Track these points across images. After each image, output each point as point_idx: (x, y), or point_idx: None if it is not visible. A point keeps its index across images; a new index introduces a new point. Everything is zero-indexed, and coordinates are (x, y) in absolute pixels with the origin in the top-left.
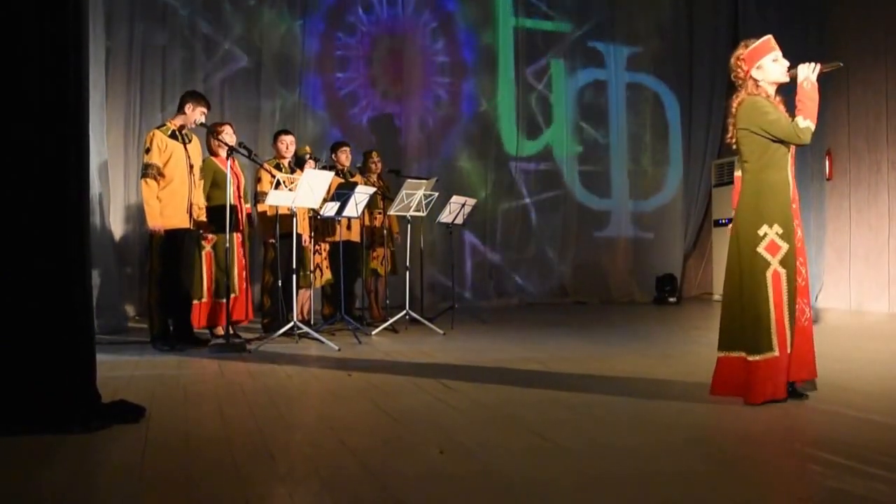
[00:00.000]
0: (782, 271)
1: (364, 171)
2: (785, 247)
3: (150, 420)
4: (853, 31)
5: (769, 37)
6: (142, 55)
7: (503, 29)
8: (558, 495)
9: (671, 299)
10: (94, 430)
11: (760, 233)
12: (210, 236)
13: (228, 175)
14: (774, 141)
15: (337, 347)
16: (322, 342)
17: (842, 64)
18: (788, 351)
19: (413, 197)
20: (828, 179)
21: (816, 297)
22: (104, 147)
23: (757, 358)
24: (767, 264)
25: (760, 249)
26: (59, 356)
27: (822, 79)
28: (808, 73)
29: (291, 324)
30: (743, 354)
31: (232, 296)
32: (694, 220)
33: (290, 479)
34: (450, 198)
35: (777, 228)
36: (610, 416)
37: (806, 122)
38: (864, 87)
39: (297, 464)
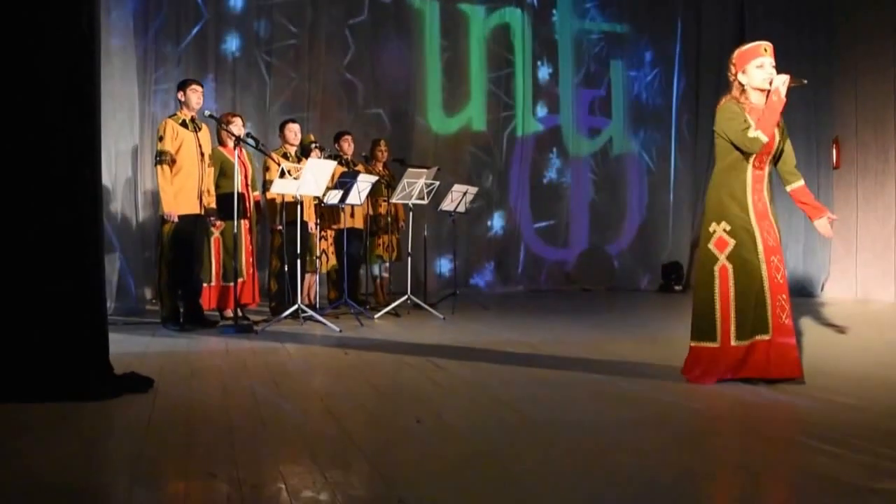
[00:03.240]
0: (729, 266)
1: (370, 159)
2: (732, 242)
3: (158, 391)
4: (862, 18)
5: (761, 42)
6: (156, 46)
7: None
8: (519, 462)
9: (676, 287)
10: (106, 399)
11: (710, 229)
12: (219, 223)
13: (236, 164)
14: (734, 146)
15: (338, 329)
16: (325, 324)
17: (806, 81)
18: (733, 343)
19: (414, 185)
20: (835, 168)
21: (822, 287)
22: (134, 133)
23: (700, 344)
24: (716, 259)
25: (710, 245)
26: (76, 332)
27: (793, 78)
28: (780, 85)
29: (295, 307)
30: (690, 340)
31: (240, 280)
32: (702, 209)
33: (277, 440)
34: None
35: (725, 225)
36: (584, 394)
37: (755, 133)
38: (873, 76)
39: (286, 428)
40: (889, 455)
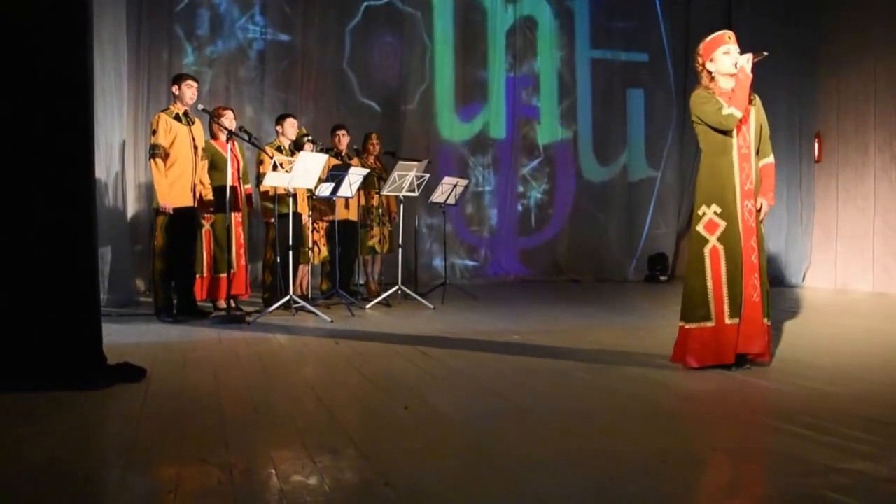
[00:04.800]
0: (720, 247)
1: (361, 152)
2: (723, 224)
3: (151, 380)
4: (844, 16)
5: (724, 31)
6: (149, 41)
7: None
8: (505, 448)
9: (662, 278)
10: (100, 388)
11: (700, 212)
12: (209, 215)
13: (228, 158)
14: (712, 128)
15: (330, 319)
16: (317, 315)
17: (766, 53)
18: (727, 321)
19: (405, 178)
20: (817, 161)
21: (804, 276)
22: (122, 127)
23: (692, 326)
24: (706, 241)
25: (700, 228)
26: (71, 325)
27: (757, 66)
28: (744, 63)
29: (287, 297)
30: (682, 323)
31: (232, 271)
32: (688, 200)
33: (268, 427)
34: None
35: (715, 208)
36: (569, 381)
37: (730, 110)
38: (854, 71)
39: (276, 416)
40: (858, 437)
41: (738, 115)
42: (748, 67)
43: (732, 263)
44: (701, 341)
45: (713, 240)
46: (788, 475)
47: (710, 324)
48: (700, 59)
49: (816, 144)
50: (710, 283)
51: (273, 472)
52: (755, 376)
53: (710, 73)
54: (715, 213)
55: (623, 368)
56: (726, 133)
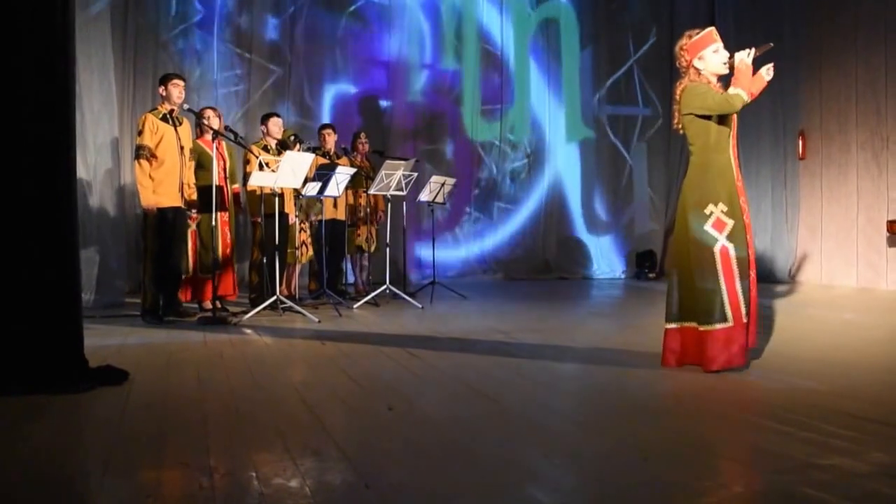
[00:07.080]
0: (730, 246)
1: (350, 151)
2: (731, 223)
3: (133, 383)
4: (825, 17)
5: (711, 28)
6: (135, 41)
7: None
8: (488, 449)
9: (650, 275)
10: (81, 392)
11: (707, 211)
12: (194, 215)
13: (214, 157)
14: (708, 118)
15: (317, 320)
16: (304, 315)
17: (772, 44)
18: (745, 320)
19: (392, 177)
20: (801, 159)
21: (790, 272)
22: (110, 128)
23: (714, 328)
24: (715, 240)
25: (708, 227)
26: (51, 326)
27: (757, 60)
28: (744, 56)
29: (274, 298)
30: (695, 325)
31: (217, 272)
32: (675, 198)
33: (250, 429)
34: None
35: (722, 206)
36: (555, 381)
37: (736, 90)
38: (836, 71)
39: (259, 417)
40: (837, 433)
41: (746, 97)
42: (749, 60)
43: (742, 262)
44: (721, 342)
45: (722, 239)
46: (767, 471)
47: (729, 324)
48: (687, 56)
49: (800, 142)
50: (723, 284)
51: (254, 475)
52: (738, 372)
53: (697, 69)
54: (722, 211)
55: (609, 367)
56: (725, 123)
